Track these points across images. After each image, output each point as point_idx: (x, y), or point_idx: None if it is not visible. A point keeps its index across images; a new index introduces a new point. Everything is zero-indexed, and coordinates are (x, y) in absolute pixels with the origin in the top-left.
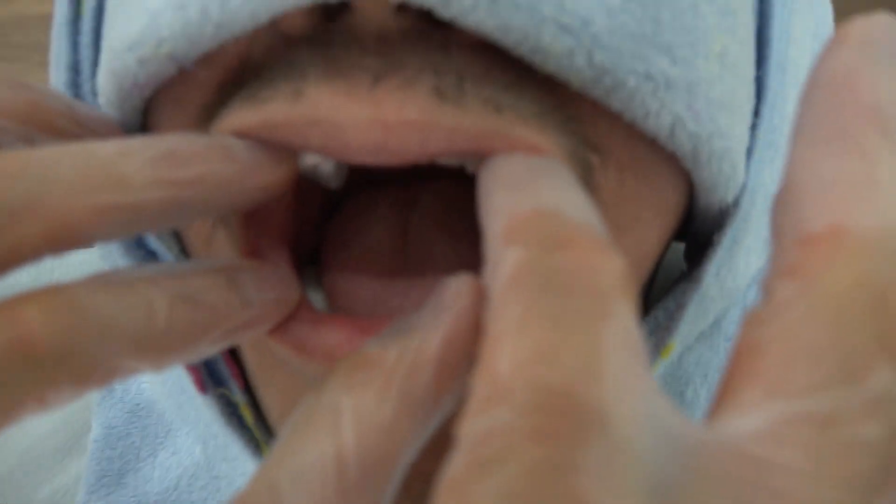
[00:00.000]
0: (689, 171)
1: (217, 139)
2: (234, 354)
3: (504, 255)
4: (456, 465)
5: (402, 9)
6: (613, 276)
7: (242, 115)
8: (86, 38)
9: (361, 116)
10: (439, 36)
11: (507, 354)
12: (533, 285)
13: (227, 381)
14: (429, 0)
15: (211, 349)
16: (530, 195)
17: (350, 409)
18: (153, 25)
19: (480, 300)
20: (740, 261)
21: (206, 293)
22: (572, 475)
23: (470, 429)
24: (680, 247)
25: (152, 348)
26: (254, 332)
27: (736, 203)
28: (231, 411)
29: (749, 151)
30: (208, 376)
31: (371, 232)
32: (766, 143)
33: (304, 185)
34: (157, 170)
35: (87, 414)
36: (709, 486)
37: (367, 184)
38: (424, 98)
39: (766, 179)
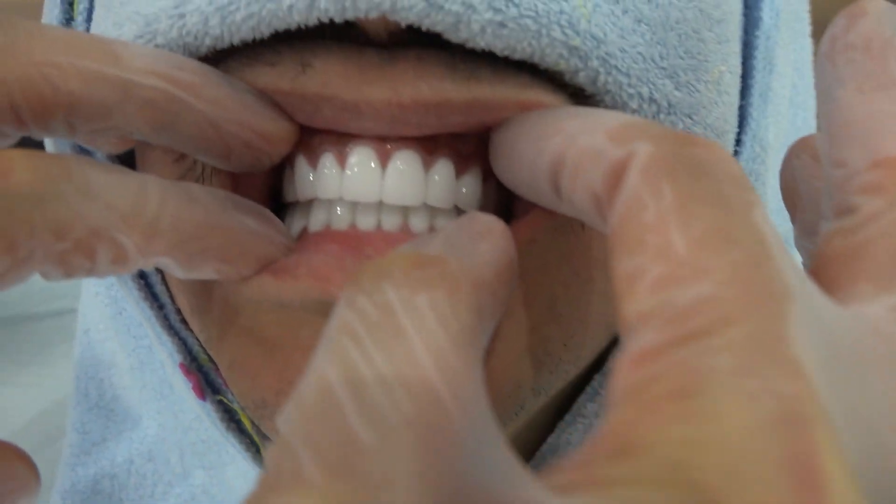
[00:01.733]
0: None
1: (221, 74)
2: None
3: (624, 149)
4: (650, 338)
5: (409, 29)
6: (740, 168)
7: (244, 74)
8: None
9: (376, 97)
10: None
11: (678, 233)
12: (679, 171)
13: (222, 388)
14: (438, 25)
15: (201, 260)
16: (596, 114)
17: (428, 305)
18: (148, 32)
19: (511, 240)
20: None
21: (202, 194)
22: (784, 342)
23: (656, 302)
24: None
25: (140, 226)
26: (244, 266)
27: None
28: (230, 417)
29: None
30: (206, 384)
31: None
32: (747, 171)
33: None
34: (156, 63)
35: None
36: (861, 356)
37: None
38: (438, 73)
39: None
